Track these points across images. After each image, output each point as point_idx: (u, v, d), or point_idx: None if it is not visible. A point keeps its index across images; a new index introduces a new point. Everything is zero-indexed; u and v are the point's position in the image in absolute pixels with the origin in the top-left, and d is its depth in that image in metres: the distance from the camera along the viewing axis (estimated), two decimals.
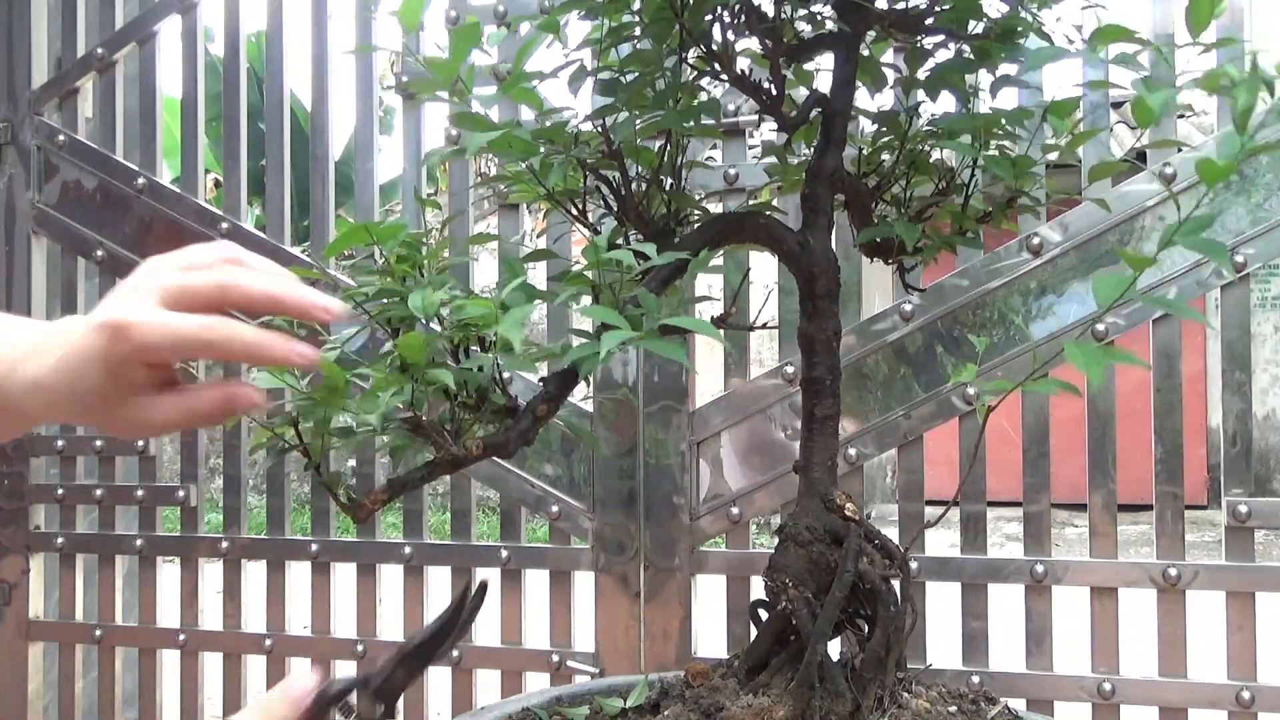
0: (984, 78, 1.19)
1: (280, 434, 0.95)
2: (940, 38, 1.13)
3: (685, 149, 1.20)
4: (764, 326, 1.27)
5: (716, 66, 1.10)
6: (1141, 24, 1.65)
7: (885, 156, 1.24)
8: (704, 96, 1.18)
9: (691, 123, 1.11)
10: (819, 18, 1.12)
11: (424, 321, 0.98)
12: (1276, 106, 1.49)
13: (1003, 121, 1.13)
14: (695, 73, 1.14)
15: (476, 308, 0.92)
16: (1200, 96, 1.09)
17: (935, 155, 1.23)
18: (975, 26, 1.10)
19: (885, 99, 1.27)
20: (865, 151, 1.25)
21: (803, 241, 1.16)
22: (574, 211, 1.20)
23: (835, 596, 1.08)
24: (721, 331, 1.02)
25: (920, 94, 1.19)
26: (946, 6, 1.07)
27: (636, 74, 1.12)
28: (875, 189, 1.22)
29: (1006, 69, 1.12)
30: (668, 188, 1.18)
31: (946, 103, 1.19)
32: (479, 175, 1.99)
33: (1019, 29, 1.07)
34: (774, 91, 1.10)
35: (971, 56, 1.12)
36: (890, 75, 1.22)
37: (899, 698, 1.14)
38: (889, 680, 1.11)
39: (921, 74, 1.18)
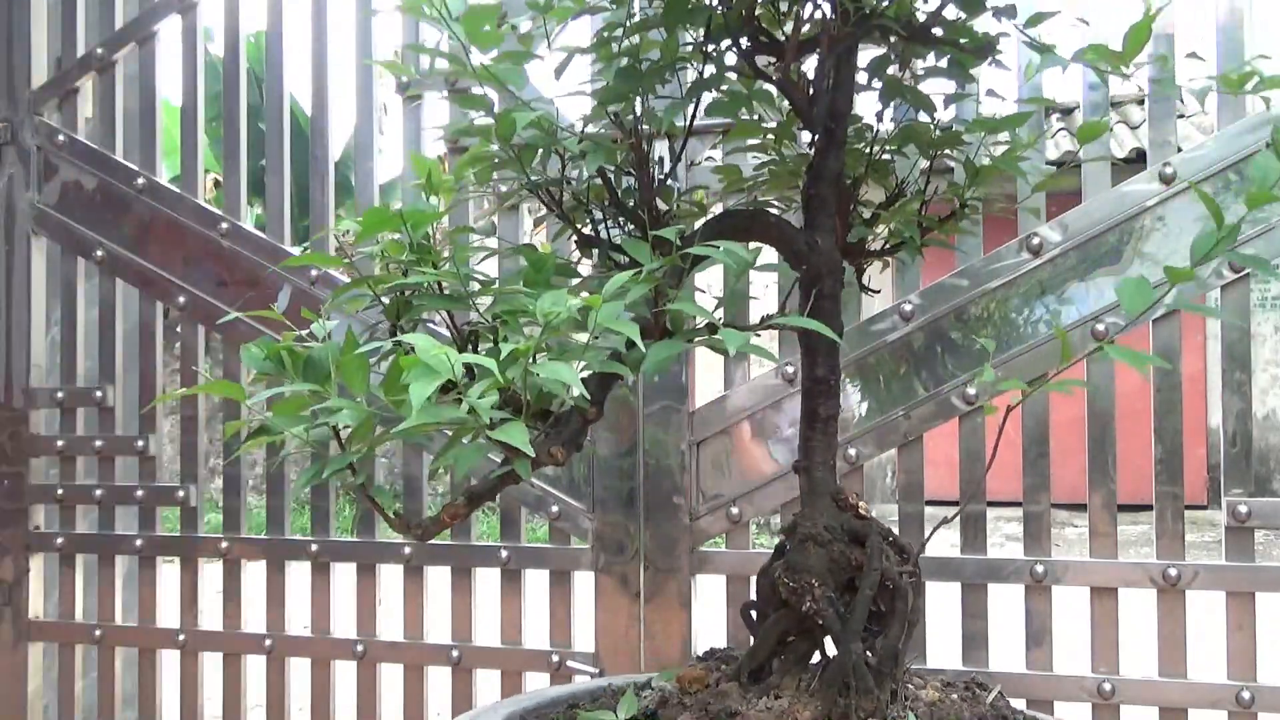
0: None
1: (276, 441, 0.95)
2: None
3: (685, 145, 1.21)
4: (769, 326, 1.27)
5: (730, 59, 1.11)
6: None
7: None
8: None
9: (746, 113, 1.12)
10: (814, 19, 1.13)
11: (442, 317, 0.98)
12: None
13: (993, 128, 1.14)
14: (708, 63, 1.15)
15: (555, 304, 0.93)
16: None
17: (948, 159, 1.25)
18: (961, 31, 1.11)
19: (863, 104, 1.28)
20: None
21: (810, 242, 1.16)
22: (563, 207, 1.20)
23: (865, 595, 1.09)
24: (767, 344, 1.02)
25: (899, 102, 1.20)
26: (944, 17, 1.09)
27: (649, 62, 1.12)
28: (853, 188, 1.23)
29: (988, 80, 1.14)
30: (671, 183, 1.19)
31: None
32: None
33: (997, 44, 1.09)
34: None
35: (946, 66, 1.14)
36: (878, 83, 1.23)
37: (906, 690, 1.14)
38: (900, 674, 1.12)
39: (910, 80, 1.19)
